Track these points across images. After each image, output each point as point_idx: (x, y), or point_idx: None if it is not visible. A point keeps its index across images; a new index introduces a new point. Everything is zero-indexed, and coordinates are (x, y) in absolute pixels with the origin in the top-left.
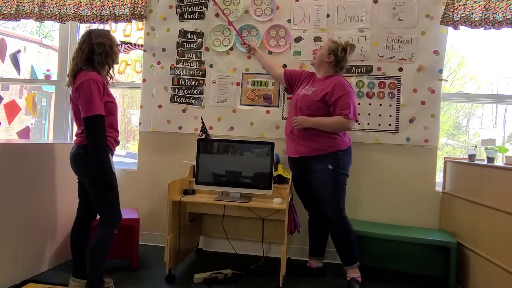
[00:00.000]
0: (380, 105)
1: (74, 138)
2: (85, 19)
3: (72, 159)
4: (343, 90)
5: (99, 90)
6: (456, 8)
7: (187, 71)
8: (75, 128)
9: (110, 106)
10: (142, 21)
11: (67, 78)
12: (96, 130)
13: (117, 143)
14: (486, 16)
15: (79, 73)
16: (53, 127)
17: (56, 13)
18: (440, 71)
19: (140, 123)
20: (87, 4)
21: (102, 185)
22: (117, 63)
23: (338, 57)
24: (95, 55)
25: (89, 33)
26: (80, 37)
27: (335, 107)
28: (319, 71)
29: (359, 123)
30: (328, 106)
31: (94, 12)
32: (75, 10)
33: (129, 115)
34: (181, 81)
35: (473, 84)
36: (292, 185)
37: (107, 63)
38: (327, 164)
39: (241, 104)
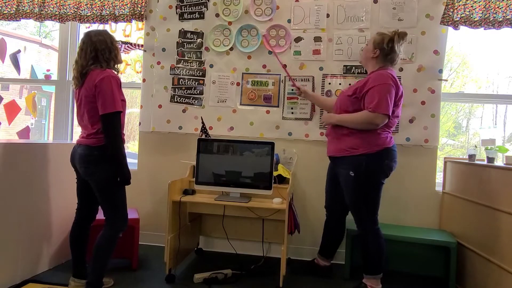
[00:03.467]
0: None
1: (81, 138)
2: (85, 19)
3: (82, 160)
4: (376, 81)
5: (118, 87)
6: (456, 8)
7: (187, 71)
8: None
9: (123, 104)
10: (142, 21)
11: (74, 81)
12: (117, 127)
13: (124, 141)
14: (486, 16)
15: (90, 72)
16: (53, 127)
17: (56, 13)
18: (440, 71)
19: (140, 123)
20: (87, 4)
21: (118, 182)
22: (121, 61)
23: (384, 50)
24: (99, 53)
25: (88, 34)
26: (79, 40)
27: (364, 101)
28: (367, 68)
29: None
30: (360, 100)
31: (94, 12)
32: (75, 10)
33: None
34: (181, 81)
35: (473, 84)
36: (292, 185)
37: (113, 59)
38: (348, 169)
39: (241, 104)
